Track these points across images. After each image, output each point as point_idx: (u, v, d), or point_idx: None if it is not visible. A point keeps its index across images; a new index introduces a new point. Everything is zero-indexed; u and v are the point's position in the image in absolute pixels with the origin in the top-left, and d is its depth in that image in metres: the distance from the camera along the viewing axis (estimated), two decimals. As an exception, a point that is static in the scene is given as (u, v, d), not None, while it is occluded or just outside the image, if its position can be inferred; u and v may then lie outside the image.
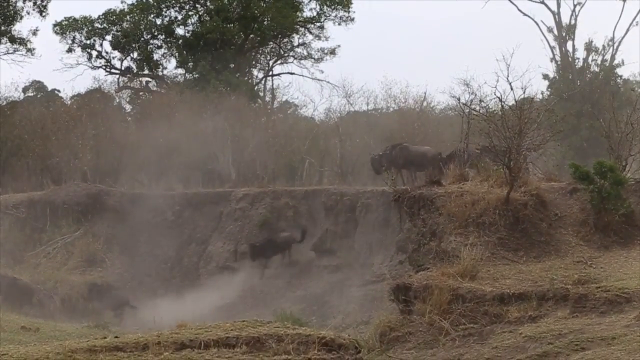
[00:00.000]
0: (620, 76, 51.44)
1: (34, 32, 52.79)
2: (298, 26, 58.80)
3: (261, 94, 59.78)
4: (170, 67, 58.80)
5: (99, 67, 57.93)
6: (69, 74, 68.73)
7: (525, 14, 51.23)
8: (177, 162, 46.48)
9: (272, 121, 51.48)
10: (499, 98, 24.12)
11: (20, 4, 51.88)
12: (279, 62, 60.54)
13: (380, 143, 41.77)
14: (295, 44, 59.95)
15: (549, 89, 50.86)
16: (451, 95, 46.24)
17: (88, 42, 57.13)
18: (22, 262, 37.91)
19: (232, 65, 56.51)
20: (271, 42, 59.73)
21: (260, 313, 30.16)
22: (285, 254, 37.01)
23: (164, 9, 57.29)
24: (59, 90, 60.14)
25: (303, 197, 38.87)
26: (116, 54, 57.82)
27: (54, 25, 56.34)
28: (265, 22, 57.36)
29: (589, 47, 50.56)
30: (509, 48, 25.22)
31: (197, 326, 17.24)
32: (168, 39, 57.62)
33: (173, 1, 57.22)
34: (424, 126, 47.17)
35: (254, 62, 60.11)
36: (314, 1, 58.70)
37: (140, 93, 58.89)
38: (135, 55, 57.71)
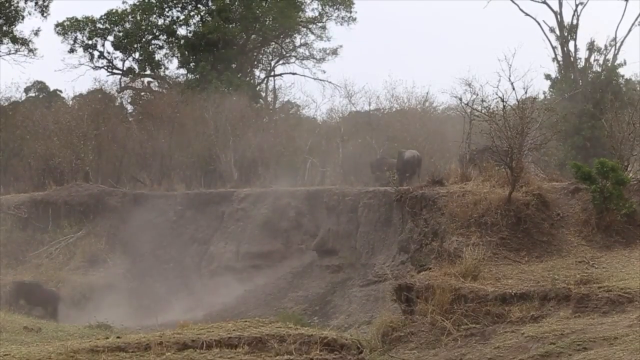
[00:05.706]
0: (622, 76, 51.35)
1: (36, 33, 52.88)
2: (300, 26, 58.74)
3: (263, 94, 59.76)
4: (172, 67, 58.83)
5: (100, 68, 57.96)
6: (71, 74, 69.17)
7: (527, 14, 51.19)
8: (178, 162, 46.53)
9: (274, 121, 51.52)
10: (500, 98, 24.12)
11: (22, 4, 51.95)
12: (280, 62, 60.56)
13: (382, 143, 41.80)
14: (297, 44, 59.98)
15: (551, 89, 50.82)
16: (453, 95, 46.16)
17: (90, 42, 57.12)
18: (24, 263, 37.94)
19: (233, 66, 56.48)
20: (273, 43, 59.71)
21: (262, 313, 30.16)
22: None
23: (166, 10, 57.27)
24: (60, 91, 60.21)
25: (305, 197, 38.84)
26: (118, 54, 57.87)
27: (56, 26, 56.40)
28: (267, 23, 57.32)
29: (591, 47, 50.50)
30: (511, 48, 25.27)
31: (199, 326, 17.26)
32: (170, 39, 57.61)
33: (175, 1, 57.22)
34: (426, 126, 47.25)
35: (255, 63, 60.08)
36: (316, 1, 58.75)
37: (142, 93, 58.85)
38: (137, 55, 57.69)
